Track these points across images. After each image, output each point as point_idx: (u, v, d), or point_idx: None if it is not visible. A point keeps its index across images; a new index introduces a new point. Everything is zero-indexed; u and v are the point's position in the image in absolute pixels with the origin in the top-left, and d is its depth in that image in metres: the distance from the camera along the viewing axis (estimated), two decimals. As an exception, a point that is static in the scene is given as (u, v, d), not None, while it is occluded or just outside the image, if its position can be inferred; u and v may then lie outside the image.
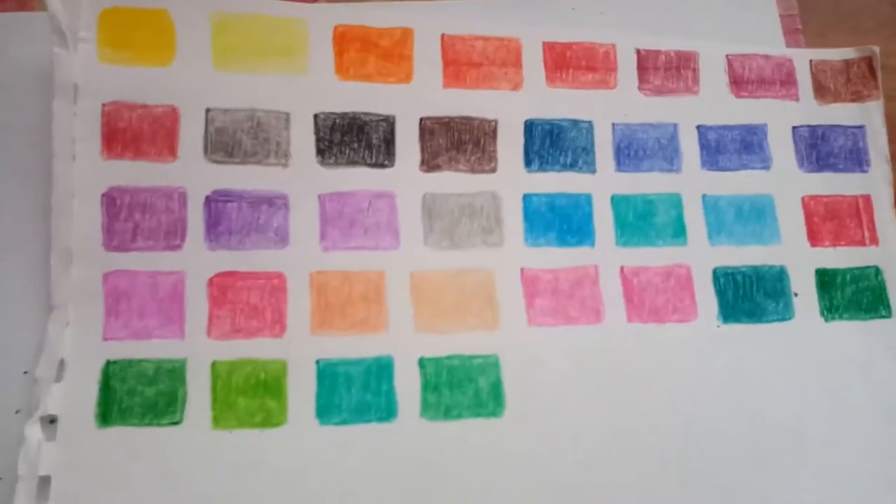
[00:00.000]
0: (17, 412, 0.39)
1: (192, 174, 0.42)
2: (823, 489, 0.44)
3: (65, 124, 0.41)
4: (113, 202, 0.41)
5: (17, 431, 0.38)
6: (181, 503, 0.39)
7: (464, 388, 0.42)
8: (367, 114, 0.45)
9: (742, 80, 0.50)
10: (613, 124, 0.48)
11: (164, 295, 0.41)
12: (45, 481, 0.38)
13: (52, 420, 0.38)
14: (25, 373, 0.39)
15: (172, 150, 0.42)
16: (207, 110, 0.43)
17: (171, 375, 0.40)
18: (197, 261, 0.41)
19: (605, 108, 0.48)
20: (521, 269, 0.45)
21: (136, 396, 0.39)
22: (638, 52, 0.49)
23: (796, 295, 0.47)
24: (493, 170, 0.46)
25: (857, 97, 0.51)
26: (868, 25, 0.53)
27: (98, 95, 0.42)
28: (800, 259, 0.48)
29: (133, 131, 0.42)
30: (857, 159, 0.50)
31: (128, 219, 0.41)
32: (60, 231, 0.40)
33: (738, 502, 0.43)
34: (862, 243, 0.49)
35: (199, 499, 0.39)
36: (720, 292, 0.46)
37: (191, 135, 0.42)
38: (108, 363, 0.40)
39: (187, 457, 0.39)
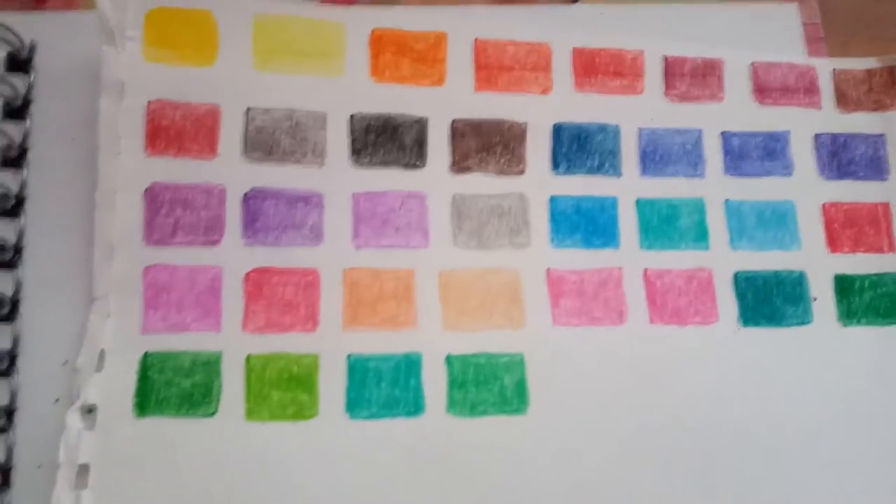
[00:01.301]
0: (56, 401, 0.40)
1: (232, 172, 0.43)
2: (838, 492, 0.45)
3: (111, 121, 0.42)
4: (155, 198, 0.42)
5: (56, 420, 0.39)
6: (214, 492, 0.40)
7: (489, 386, 0.43)
8: (400, 115, 0.46)
9: (766, 87, 0.51)
10: (640, 129, 0.49)
11: (202, 289, 0.42)
12: (84, 469, 0.39)
13: (91, 409, 0.39)
14: (65, 363, 0.40)
15: (213, 147, 0.43)
16: (248, 110, 0.44)
17: (207, 368, 0.41)
18: (234, 256, 0.42)
19: (631, 113, 0.49)
20: (547, 270, 0.46)
21: (172, 387, 0.41)
22: (665, 58, 0.50)
23: (815, 300, 0.48)
24: (522, 172, 0.47)
25: (879, 106, 0.52)
26: (890, 34, 0.54)
27: (143, 93, 0.43)
28: (819, 264, 0.49)
29: (176, 129, 0.43)
30: (877, 167, 0.51)
31: (168, 214, 0.42)
32: (103, 225, 0.41)
33: (755, 501, 0.44)
34: (881, 250, 0.50)
35: (232, 488, 0.40)
36: (741, 296, 0.47)
37: (231, 133, 0.43)
38: (147, 355, 0.41)
39: (221, 447, 0.40)
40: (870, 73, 0.52)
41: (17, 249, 0.41)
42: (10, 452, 0.39)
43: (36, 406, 0.40)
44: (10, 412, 0.39)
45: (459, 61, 0.47)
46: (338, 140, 0.45)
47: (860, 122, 0.51)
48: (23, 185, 0.42)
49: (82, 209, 0.42)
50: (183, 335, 0.41)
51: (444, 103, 0.46)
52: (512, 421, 0.43)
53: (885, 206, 0.50)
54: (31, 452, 0.39)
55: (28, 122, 0.42)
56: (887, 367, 0.48)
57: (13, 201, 0.41)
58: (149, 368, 0.41)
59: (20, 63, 0.43)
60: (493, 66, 0.47)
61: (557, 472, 0.43)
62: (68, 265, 0.41)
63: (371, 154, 0.45)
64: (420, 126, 0.46)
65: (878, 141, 0.51)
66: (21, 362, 0.40)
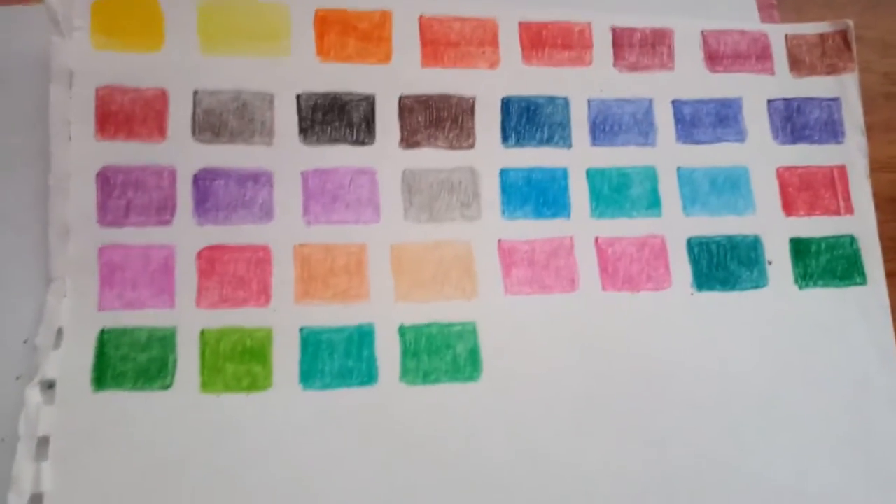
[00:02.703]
0: (17, 378, 0.41)
1: (181, 153, 0.44)
2: (795, 453, 0.45)
3: (61, 108, 0.43)
4: (107, 181, 0.43)
5: (17, 396, 0.40)
6: (171, 463, 0.41)
7: (442, 354, 0.44)
8: (347, 93, 0.47)
9: (717, 55, 0.51)
10: (589, 100, 0.49)
11: (156, 267, 0.43)
12: (43, 441, 0.40)
13: (50, 385, 0.41)
14: (25, 341, 0.42)
15: (162, 130, 0.44)
16: (195, 92, 0.45)
17: (162, 343, 0.42)
18: (186, 235, 0.44)
19: (580, 85, 0.49)
20: (499, 241, 0.46)
21: (129, 362, 0.42)
22: (613, 29, 0.50)
23: (770, 263, 0.48)
24: (472, 146, 0.47)
25: (833, 70, 0.52)
26: (843, -1, 0.54)
27: (92, 80, 0.44)
28: (774, 228, 0.49)
29: (125, 113, 0.44)
30: (832, 131, 0.51)
31: (121, 196, 0.43)
32: (57, 208, 0.43)
33: (711, 467, 0.44)
34: (837, 212, 0.50)
35: (188, 459, 0.41)
36: (694, 261, 0.48)
37: (179, 116, 0.45)
38: (103, 331, 0.42)
39: (177, 419, 0.41)
40: (822, 37, 0.52)
41: (-23, 235, 0.42)
42: (-27, 428, 0.40)
43: (-2, 383, 0.41)
44: (-28, 390, 0.41)
45: (405, 39, 0.48)
46: (286, 119, 0.46)
47: (814, 87, 0.52)
48: (-20, 173, 0.43)
49: (37, 194, 0.43)
50: (138, 312, 0.43)
51: (391, 80, 0.47)
52: (465, 388, 0.44)
53: (842, 168, 0.51)
54: (-6, 427, 0.40)
55: (-19, 113, 0.44)
56: (844, 328, 0.48)
57: (-30, 188, 0.43)
58: (105, 344, 0.42)
59: (-27, 56, 0.44)
60: (439, 43, 0.48)
61: (509, 437, 0.44)
62: (25, 248, 0.43)
63: (319, 132, 0.46)
64: (368, 103, 0.47)
65: (832, 105, 0.51)
66: (-18, 342, 0.42)
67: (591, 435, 0.44)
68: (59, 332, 0.42)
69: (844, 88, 0.52)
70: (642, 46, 0.50)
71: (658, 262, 0.47)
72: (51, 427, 0.40)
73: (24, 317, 0.42)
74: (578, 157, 0.48)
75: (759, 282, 0.48)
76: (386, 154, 0.46)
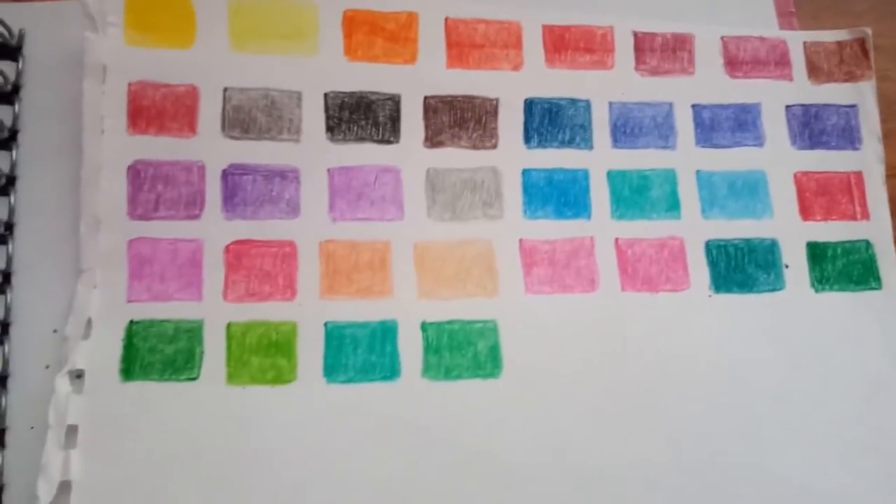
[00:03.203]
0: (46, 367, 0.42)
1: (211, 149, 0.45)
2: (809, 455, 0.46)
3: (94, 102, 0.44)
4: (137, 174, 0.44)
5: (47, 385, 0.41)
6: (197, 453, 0.41)
7: (463, 351, 0.45)
8: (374, 93, 0.47)
9: (737, 61, 0.52)
10: (610, 103, 0.50)
11: (184, 261, 0.44)
12: (72, 430, 0.40)
13: (79, 375, 0.41)
14: (55, 331, 0.42)
15: (192, 126, 0.45)
16: (225, 89, 0.46)
17: (190, 335, 0.43)
18: (214, 229, 0.44)
19: (602, 88, 0.50)
20: (520, 240, 0.47)
21: (156, 354, 0.42)
22: (635, 34, 0.51)
23: (787, 267, 0.49)
24: (494, 146, 0.48)
25: (850, 77, 0.53)
26: (859, 8, 0.55)
27: (125, 75, 0.45)
28: (791, 232, 0.49)
29: (156, 108, 0.45)
30: (849, 137, 0.52)
31: (151, 190, 0.44)
32: (89, 201, 0.43)
33: (726, 466, 0.45)
34: (853, 218, 0.50)
35: (213, 449, 0.41)
36: (712, 263, 0.48)
37: (209, 112, 0.45)
38: (132, 323, 0.43)
39: (203, 410, 0.42)
40: (840, 44, 0.53)
41: (9, 226, 0.43)
42: (3, 415, 0.41)
43: (28, 372, 0.42)
44: (3, 378, 0.41)
45: (431, 40, 0.49)
46: (313, 117, 0.46)
47: (832, 94, 0.52)
48: (13, 166, 0.44)
49: (69, 187, 0.44)
50: (166, 304, 0.43)
51: (416, 80, 0.48)
52: (485, 384, 0.45)
53: (858, 174, 0.51)
54: (24, 415, 0.41)
55: (17, 106, 0.45)
56: (859, 332, 0.49)
57: (4, 180, 0.43)
58: (134, 336, 0.43)
59: (10, 51, 0.45)
60: (464, 44, 0.49)
61: (529, 433, 0.44)
62: (57, 239, 0.43)
63: (346, 130, 0.47)
64: (393, 103, 0.47)
65: (849, 112, 0.52)
66: (13, 331, 0.42)
67: (610, 432, 0.45)
68: (89, 322, 0.42)
69: (862, 95, 0.52)
70: (663, 51, 0.51)
71: (677, 264, 0.48)
72: (79, 416, 0.41)
73: (54, 307, 0.43)
74: (599, 159, 0.49)
75: (776, 285, 0.48)
76: (410, 153, 0.47)
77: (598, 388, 0.45)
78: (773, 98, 0.51)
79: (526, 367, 0.45)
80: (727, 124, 0.51)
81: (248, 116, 0.46)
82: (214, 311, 0.43)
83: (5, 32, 0.44)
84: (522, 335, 0.45)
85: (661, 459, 0.45)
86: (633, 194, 0.49)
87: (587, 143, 0.49)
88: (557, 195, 0.48)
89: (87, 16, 0.44)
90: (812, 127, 0.51)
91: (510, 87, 0.49)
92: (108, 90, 0.44)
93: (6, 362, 0.42)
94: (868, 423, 0.47)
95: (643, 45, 0.51)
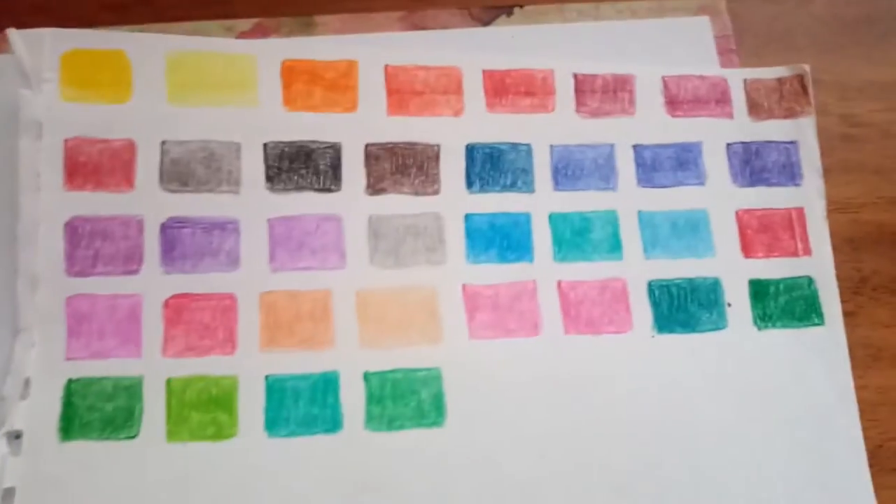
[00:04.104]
0: (-15, 429, 0.42)
1: (149, 203, 0.45)
2: (756, 492, 0.46)
3: (30, 159, 0.44)
4: (75, 231, 0.44)
5: (-16, 447, 0.40)
6: (138, 512, 0.41)
7: (406, 400, 0.45)
8: (314, 142, 0.47)
9: (677, 100, 0.52)
10: (551, 146, 0.50)
11: (123, 317, 0.44)
12: (9, 493, 0.40)
13: (17, 435, 0.41)
14: (-7, 392, 0.42)
15: (130, 181, 0.45)
16: (163, 142, 0.46)
17: (129, 392, 0.43)
18: (153, 284, 0.44)
19: (543, 131, 0.50)
20: (463, 286, 0.47)
21: (95, 412, 0.42)
22: (575, 76, 0.51)
23: (730, 305, 0.49)
24: (437, 192, 0.48)
25: (790, 113, 0.53)
26: (801, 43, 0.55)
27: (61, 131, 0.45)
28: (733, 270, 0.50)
29: (93, 164, 0.45)
30: (790, 173, 0.52)
31: (88, 246, 0.44)
32: (26, 258, 0.43)
33: (671, 505, 0.45)
34: (795, 254, 0.51)
35: (155, 507, 0.41)
36: (655, 304, 0.48)
37: (147, 166, 0.45)
38: (70, 381, 0.42)
39: (143, 468, 0.42)
40: (780, 81, 0.54)
41: (-55, 285, 0.43)
42: (-60, 478, 0.41)
43: (-35, 434, 0.41)
44: (-62, 441, 0.41)
45: (371, 88, 0.49)
46: (253, 168, 0.46)
47: (772, 130, 0.53)
48: (-51, 224, 0.44)
49: (6, 245, 0.44)
50: (105, 361, 0.43)
51: (357, 128, 0.48)
52: (430, 433, 0.45)
53: (800, 210, 0.52)
54: (-40, 479, 0.41)
55: (-48, 163, 0.44)
56: (803, 369, 0.49)
57: (-61, 239, 0.43)
58: (72, 394, 0.42)
59: (-55, 107, 0.45)
60: (404, 91, 0.49)
61: (475, 481, 0.44)
62: (-6, 299, 0.43)
63: (286, 180, 0.47)
64: (334, 151, 0.48)
65: (790, 148, 0.53)
66: (-51, 393, 0.42)
67: (556, 478, 0.45)
68: (27, 382, 0.42)
69: (802, 132, 0.53)
70: (604, 92, 0.51)
71: (619, 305, 0.48)
72: (17, 478, 0.41)
73: (-9, 367, 0.42)
74: (541, 202, 0.49)
75: (719, 324, 0.49)
76: (352, 200, 0.47)
77: (543, 433, 0.45)
78: (714, 136, 0.52)
79: (470, 415, 0.45)
80: (668, 164, 0.51)
81: (186, 169, 0.46)
82: (154, 368, 0.43)
83: (-61, 90, 0.44)
84: (466, 382, 0.46)
85: (608, 503, 0.45)
86: (575, 236, 0.49)
87: (529, 186, 0.49)
88: (500, 239, 0.48)
89: (21, 72, 0.44)
90: (753, 164, 0.52)
91: (451, 133, 0.49)
92: (44, 147, 0.44)
93: (-57, 425, 0.41)
94: (814, 459, 0.47)
95: (584, 87, 0.51)
